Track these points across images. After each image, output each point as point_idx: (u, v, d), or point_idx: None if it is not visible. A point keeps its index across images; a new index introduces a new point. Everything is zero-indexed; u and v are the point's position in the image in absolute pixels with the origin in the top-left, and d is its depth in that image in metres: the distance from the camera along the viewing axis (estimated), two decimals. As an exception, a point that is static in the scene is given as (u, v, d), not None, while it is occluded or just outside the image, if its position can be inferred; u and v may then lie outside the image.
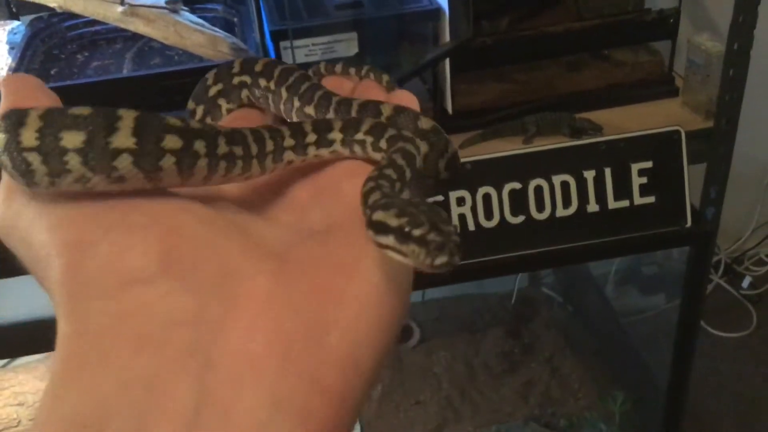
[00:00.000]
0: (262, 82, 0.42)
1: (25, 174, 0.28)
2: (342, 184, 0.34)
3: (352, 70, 0.49)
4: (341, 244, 0.30)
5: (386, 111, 0.39)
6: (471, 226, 1.15)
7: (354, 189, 0.32)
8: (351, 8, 1.23)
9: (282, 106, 0.42)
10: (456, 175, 0.41)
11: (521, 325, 1.88)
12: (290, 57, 1.14)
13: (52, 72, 1.23)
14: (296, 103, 0.41)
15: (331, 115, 0.39)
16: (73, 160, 0.28)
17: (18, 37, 1.28)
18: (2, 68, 1.20)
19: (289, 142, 0.35)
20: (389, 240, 0.29)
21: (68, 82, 1.13)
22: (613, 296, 1.89)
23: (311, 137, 0.36)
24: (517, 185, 1.15)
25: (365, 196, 0.31)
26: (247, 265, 0.28)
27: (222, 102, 0.43)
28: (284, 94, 0.41)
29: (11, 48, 1.26)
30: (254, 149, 0.33)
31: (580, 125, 1.21)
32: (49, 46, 1.29)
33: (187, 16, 1.11)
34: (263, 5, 1.17)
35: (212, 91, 0.43)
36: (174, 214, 0.29)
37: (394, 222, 0.29)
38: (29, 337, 1.35)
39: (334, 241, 0.30)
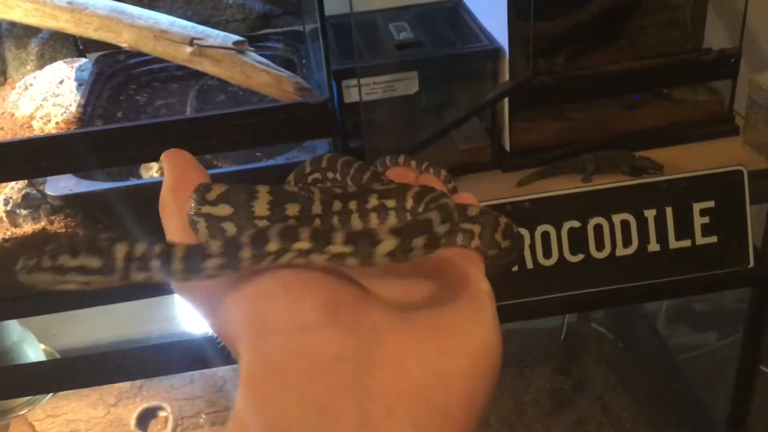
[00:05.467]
0: (330, 175, 0.48)
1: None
2: (443, 263, 0.40)
3: (413, 163, 0.55)
4: (451, 311, 0.36)
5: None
6: (530, 264, 1.14)
7: (453, 267, 0.39)
8: (412, 47, 1.24)
9: None
10: (516, 241, 0.45)
11: (571, 362, 1.86)
12: (354, 95, 1.15)
13: (119, 111, 1.26)
14: None
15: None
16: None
17: (85, 74, 1.32)
18: (71, 104, 1.24)
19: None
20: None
21: (140, 123, 1.16)
22: (665, 333, 1.87)
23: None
24: (576, 223, 1.15)
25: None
26: (387, 321, 0.34)
27: None
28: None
29: (79, 85, 1.29)
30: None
31: (640, 164, 1.21)
32: (115, 84, 1.33)
33: (253, 56, 1.13)
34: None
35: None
36: (332, 276, 0.35)
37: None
38: (87, 369, 1.37)
39: (446, 309, 0.36)
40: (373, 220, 0.39)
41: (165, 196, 0.41)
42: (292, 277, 0.35)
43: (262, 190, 0.37)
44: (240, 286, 0.35)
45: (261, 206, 0.37)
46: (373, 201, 0.39)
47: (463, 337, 0.35)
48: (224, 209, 0.37)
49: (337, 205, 0.39)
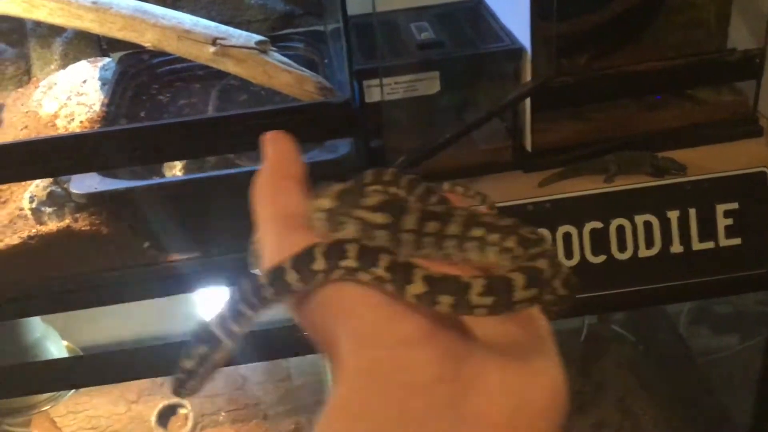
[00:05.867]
0: (391, 190, 0.48)
1: None
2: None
3: (460, 189, 0.57)
4: (524, 347, 0.38)
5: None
6: (551, 265, 1.14)
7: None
8: (433, 47, 1.24)
9: None
10: (573, 292, 0.46)
11: (591, 364, 1.85)
12: (376, 95, 1.16)
13: (142, 111, 1.27)
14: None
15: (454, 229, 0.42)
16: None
17: (109, 74, 1.33)
18: (95, 103, 1.25)
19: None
20: None
21: (162, 122, 1.17)
22: (686, 335, 1.85)
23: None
24: (598, 224, 1.15)
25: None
26: (476, 348, 0.36)
27: None
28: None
29: (103, 84, 1.30)
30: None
31: (663, 164, 1.20)
32: (138, 83, 1.34)
33: (275, 56, 1.14)
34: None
35: None
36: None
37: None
38: (109, 366, 1.39)
39: (519, 344, 0.38)
40: (472, 251, 0.39)
41: (263, 182, 0.42)
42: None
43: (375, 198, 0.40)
44: (346, 290, 0.36)
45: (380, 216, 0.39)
46: (477, 232, 0.39)
47: (539, 373, 0.36)
48: (381, 217, 0.39)
49: (432, 227, 0.39)
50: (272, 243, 0.40)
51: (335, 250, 0.36)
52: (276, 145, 0.43)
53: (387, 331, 0.35)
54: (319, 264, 0.36)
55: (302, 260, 0.37)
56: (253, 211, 0.42)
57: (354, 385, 0.34)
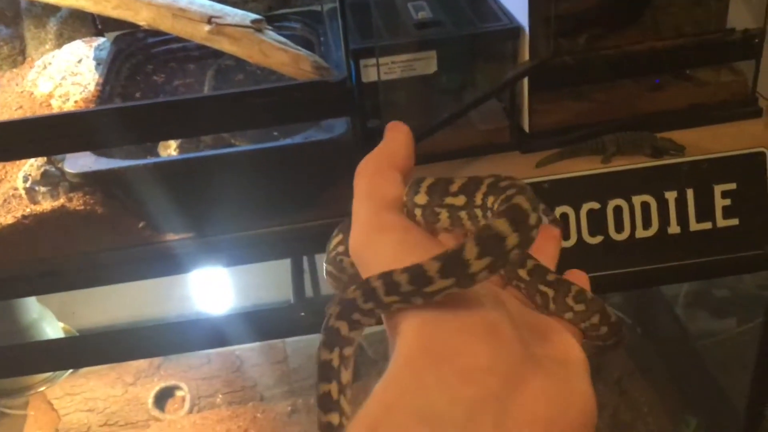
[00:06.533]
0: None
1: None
2: (551, 328, 0.44)
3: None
4: (564, 367, 0.40)
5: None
6: (548, 246, 1.13)
7: (558, 334, 0.43)
8: (430, 27, 1.23)
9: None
10: (615, 330, 0.48)
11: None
12: (372, 75, 1.15)
13: (137, 91, 1.26)
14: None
15: None
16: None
17: (104, 53, 1.32)
18: (90, 83, 1.24)
19: None
20: None
21: (157, 101, 1.16)
22: (684, 318, 1.85)
23: None
24: (595, 205, 1.14)
25: None
26: (525, 353, 0.37)
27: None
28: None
29: (98, 64, 1.29)
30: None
31: (662, 145, 1.19)
32: (134, 63, 1.33)
33: (271, 35, 1.13)
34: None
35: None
36: (491, 301, 0.39)
37: None
38: (105, 346, 1.38)
39: (560, 363, 0.40)
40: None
41: (370, 162, 0.44)
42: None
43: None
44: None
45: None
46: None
47: (576, 393, 0.38)
48: (460, 199, 0.43)
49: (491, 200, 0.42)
50: (364, 217, 0.42)
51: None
52: (394, 134, 0.46)
53: (451, 317, 0.36)
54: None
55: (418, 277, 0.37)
56: (356, 186, 0.44)
57: (411, 359, 0.35)
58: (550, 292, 0.46)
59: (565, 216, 1.13)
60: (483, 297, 0.38)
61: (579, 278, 0.49)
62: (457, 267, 0.35)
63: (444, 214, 0.43)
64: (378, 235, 0.41)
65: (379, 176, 0.44)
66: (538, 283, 0.47)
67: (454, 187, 0.43)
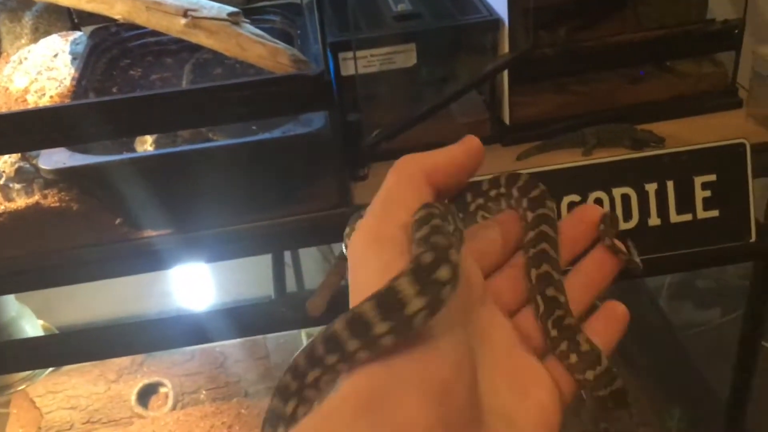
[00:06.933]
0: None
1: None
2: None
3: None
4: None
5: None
6: (529, 239, 1.13)
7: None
8: (409, 19, 1.22)
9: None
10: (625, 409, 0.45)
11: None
12: (352, 68, 1.14)
13: (114, 86, 1.25)
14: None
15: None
16: None
17: (80, 48, 1.30)
18: (66, 78, 1.22)
19: None
20: None
21: (133, 95, 1.15)
22: (667, 310, 1.86)
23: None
24: (576, 198, 1.13)
25: None
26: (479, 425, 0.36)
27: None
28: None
29: (74, 58, 1.28)
30: None
31: (642, 137, 1.19)
32: (111, 57, 1.31)
33: (248, 28, 1.11)
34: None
35: (472, 207, 0.49)
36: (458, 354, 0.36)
37: None
38: (86, 343, 1.37)
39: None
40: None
41: (409, 167, 0.41)
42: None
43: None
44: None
45: None
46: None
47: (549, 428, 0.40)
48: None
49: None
50: (371, 221, 0.39)
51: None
52: (457, 148, 0.43)
53: (402, 369, 0.34)
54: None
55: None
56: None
57: (348, 400, 0.33)
58: (554, 332, 0.42)
59: (546, 209, 1.13)
60: (445, 345, 0.35)
61: (612, 315, 0.45)
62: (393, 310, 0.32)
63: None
64: (374, 245, 0.38)
65: (407, 183, 0.40)
66: (548, 318, 0.43)
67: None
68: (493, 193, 0.49)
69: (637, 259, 0.47)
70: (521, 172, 0.50)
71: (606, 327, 0.45)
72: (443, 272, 0.33)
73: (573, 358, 0.42)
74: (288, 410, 0.35)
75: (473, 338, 0.39)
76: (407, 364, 0.33)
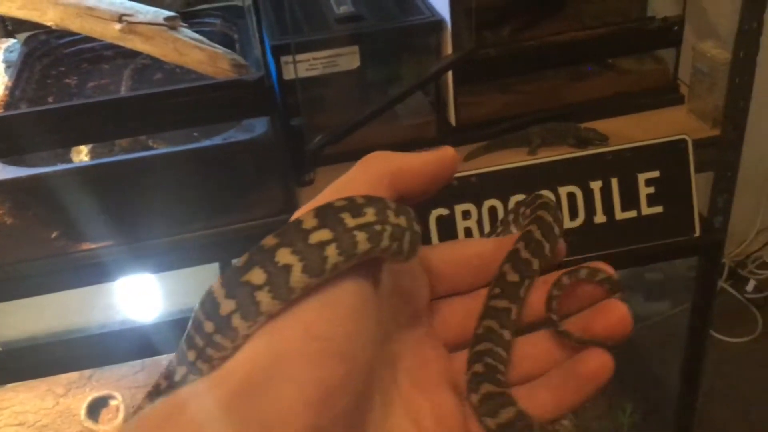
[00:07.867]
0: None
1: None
2: None
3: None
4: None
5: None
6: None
7: None
8: (352, 21, 1.21)
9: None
10: None
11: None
12: (292, 72, 1.12)
13: (49, 95, 1.21)
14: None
15: None
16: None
17: (14, 56, 1.26)
18: (-1, 87, 1.18)
19: None
20: None
21: (67, 104, 1.12)
22: (618, 303, 1.88)
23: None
24: (523, 197, 1.13)
25: None
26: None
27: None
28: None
29: (7, 67, 1.24)
30: None
31: (586, 135, 1.20)
32: (45, 65, 1.27)
33: (186, 33, 1.09)
34: (263, 20, 1.15)
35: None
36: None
37: None
38: (31, 360, 1.33)
39: None
40: None
41: (376, 167, 0.37)
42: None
43: None
44: None
45: None
46: None
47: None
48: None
49: None
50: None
51: None
52: (430, 155, 0.38)
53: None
54: None
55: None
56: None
57: (231, 379, 0.31)
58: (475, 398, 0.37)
59: (493, 209, 1.13)
60: (346, 353, 0.32)
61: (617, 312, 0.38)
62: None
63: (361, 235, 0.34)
64: None
65: (368, 179, 0.37)
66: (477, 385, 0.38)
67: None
68: (521, 210, 0.48)
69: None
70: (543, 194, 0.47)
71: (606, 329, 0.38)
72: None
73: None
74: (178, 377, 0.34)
75: (386, 356, 0.37)
76: (297, 358, 0.31)
